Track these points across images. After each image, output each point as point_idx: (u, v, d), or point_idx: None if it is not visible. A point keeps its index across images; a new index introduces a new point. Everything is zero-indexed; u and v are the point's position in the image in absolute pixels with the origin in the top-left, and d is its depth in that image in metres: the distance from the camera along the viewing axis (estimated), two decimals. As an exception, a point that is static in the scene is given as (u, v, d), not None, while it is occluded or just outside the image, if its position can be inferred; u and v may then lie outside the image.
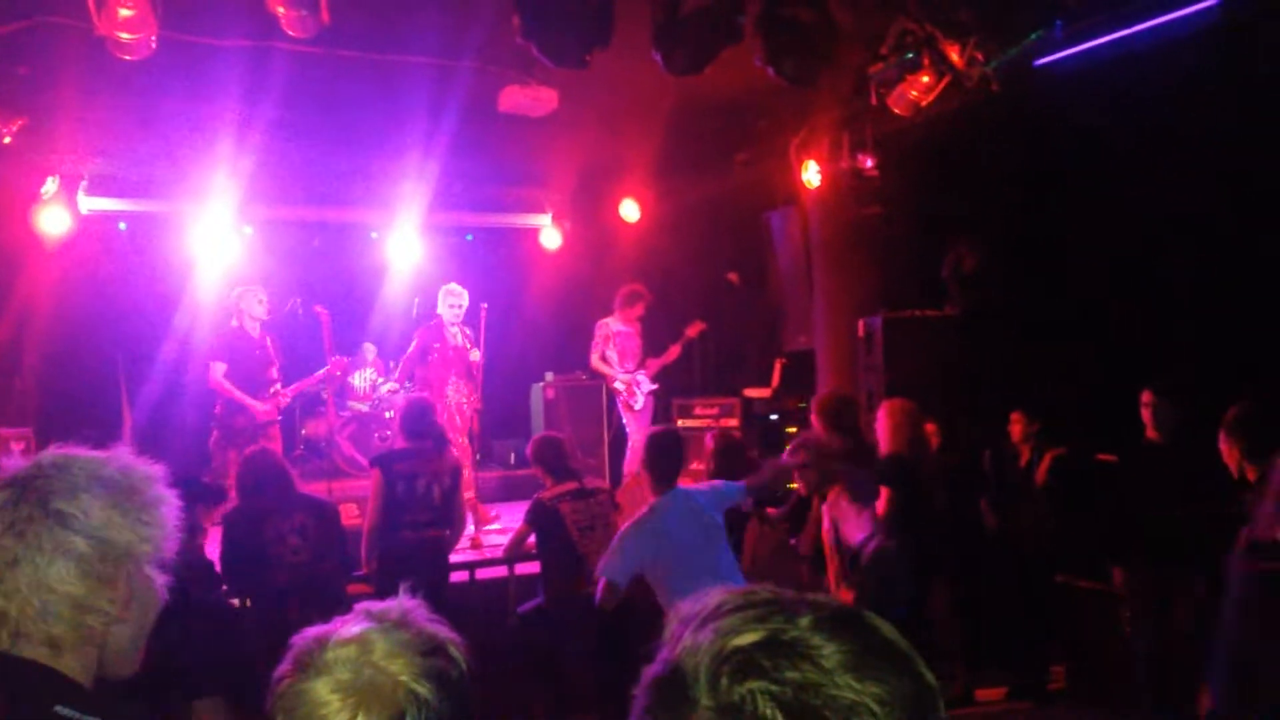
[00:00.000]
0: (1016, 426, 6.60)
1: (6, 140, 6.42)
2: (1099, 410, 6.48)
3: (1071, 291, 7.42)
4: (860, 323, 7.87)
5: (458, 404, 8.38)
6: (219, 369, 7.68)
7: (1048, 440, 6.48)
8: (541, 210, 10.64)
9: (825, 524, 5.44)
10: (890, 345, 7.60)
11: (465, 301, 8.38)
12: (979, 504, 6.38)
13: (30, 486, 1.50)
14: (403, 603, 1.47)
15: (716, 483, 5.06)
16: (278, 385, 7.99)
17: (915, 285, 8.14)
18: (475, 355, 8.37)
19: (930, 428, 6.14)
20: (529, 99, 7.26)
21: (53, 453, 1.57)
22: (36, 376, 8.54)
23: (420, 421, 5.87)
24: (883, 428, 5.78)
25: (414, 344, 8.53)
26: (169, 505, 1.60)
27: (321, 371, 8.55)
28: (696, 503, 4.68)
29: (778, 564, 5.47)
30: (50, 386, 8.61)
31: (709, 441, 6.14)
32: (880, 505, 5.50)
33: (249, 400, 7.69)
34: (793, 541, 6.06)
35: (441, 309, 8.40)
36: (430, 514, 5.69)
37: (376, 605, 1.46)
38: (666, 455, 4.83)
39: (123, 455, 1.60)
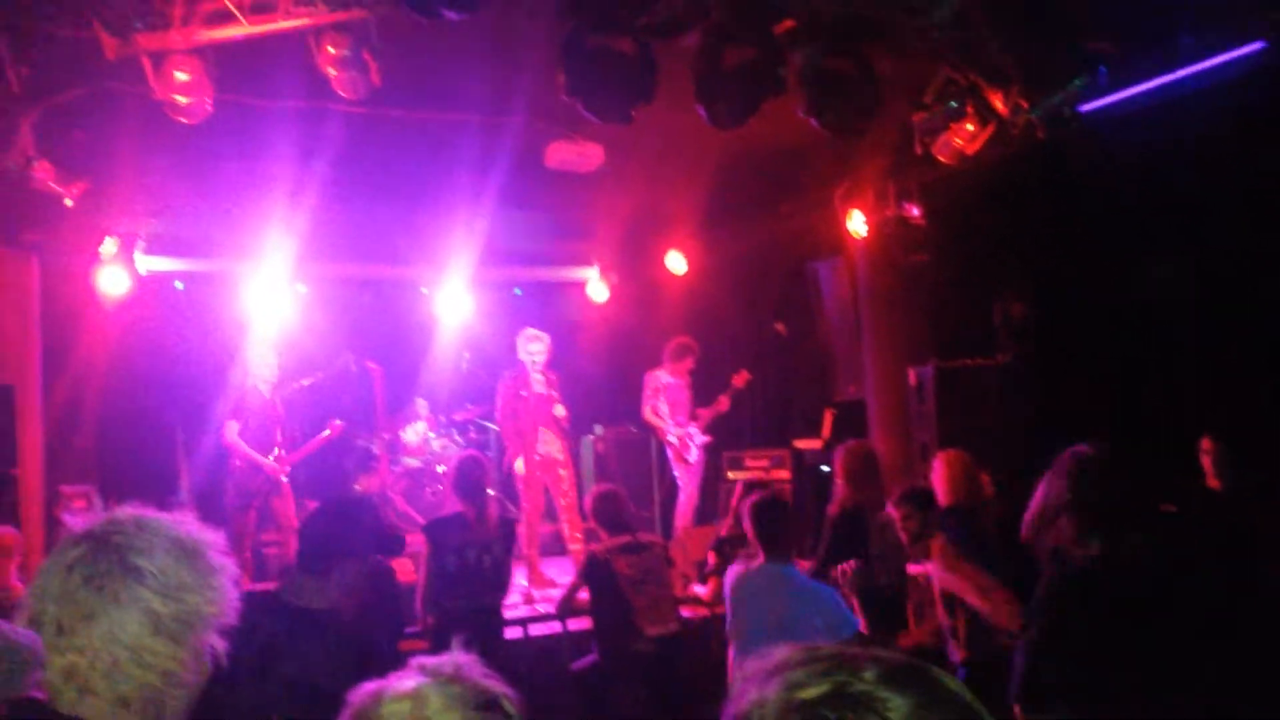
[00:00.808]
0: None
1: (68, 203, 6.59)
2: (1158, 458, 6.34)
3: (1125, 337, 7.31)
4: (911, 372, 7.80)
5: (547, 456, 8.32)
6: (233, 428, 7.81)
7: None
8: (588, 263, 10.71)
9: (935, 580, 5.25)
10: (942, 395, 7.51)
11: (546, 345, 8.35)
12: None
13: (109, 542, 1.52)
14: (456, 657, 1.47)
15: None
16: (279, 450, 8.08)
17: (966, 334, 8.06)
18: (560, 411, 8.31)
19: (984, 478, 6.04)
20: (575, 154, 7.35)
21: (127, 510, 1.59)
22: (96, 434, 8.68)
23: (469, 482, 5.85)
24: (939, 478, 5.69)
25: (499, 399, 8.52)
26: (229, 572, 1.62)
27: (324, 434, 8.58)
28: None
29: None
30: (110, 444, 8.75)
31: (737, 493, 6.10)
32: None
33: (262, 460, 7.79)
34: None
35: (522, 355, 8.38)
36: (482, 584, 5.66)
37: (430, 660, 1.46)
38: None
39: (189, 519, 1.63)
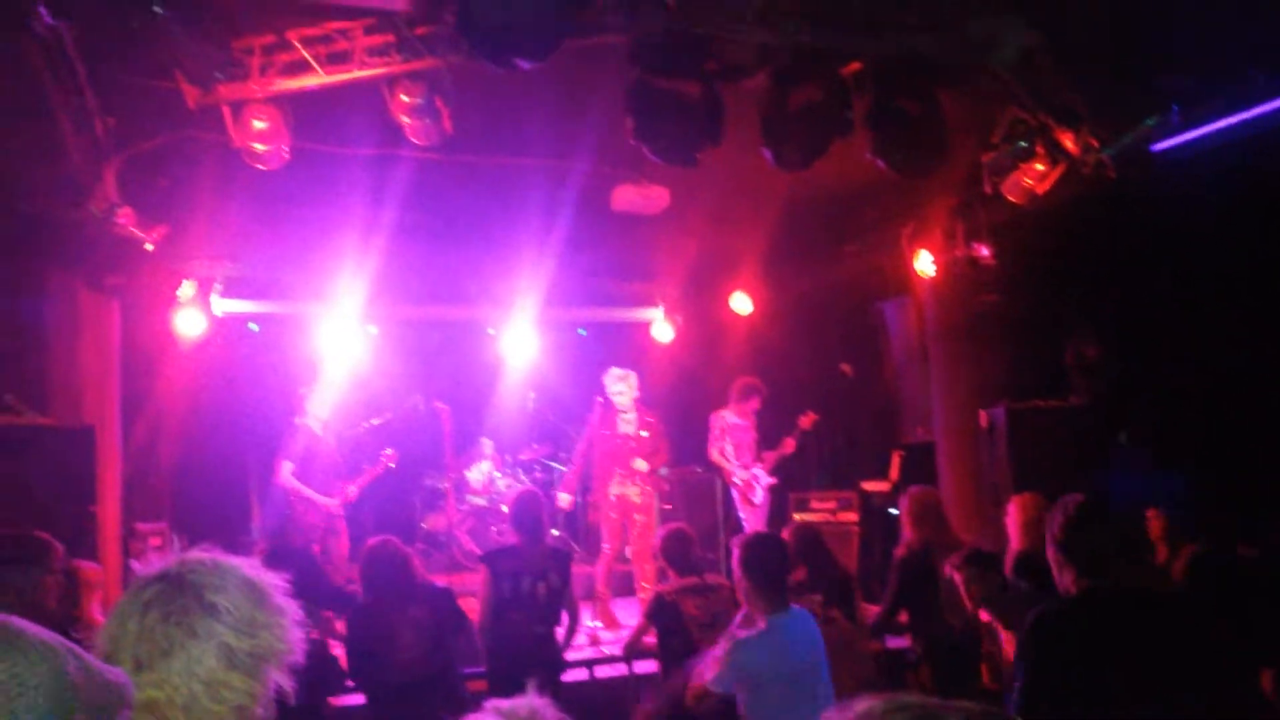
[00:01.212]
0: (1155, 523, 6.32)
1: (149, 247, 6.78)
2: (1238, 501, 6.18)
3: (1200, 379, 7.15)
4: (982, 414, 7.69)
5: (623, 499, 8.22)
6: (288, 468, 7.93)
7: (1185, 535, 6.18)
8: (653, 304, 10.76)
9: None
10: (1014, 436, 7.37)
11: (631, 384, 8.34)
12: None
13: (184, 580, 1.57)
14: (532, 700, 1.47)
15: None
16: (350, 487, 8.19)
17: (1037, 375, 7.93)
18: (640, 465, 8.19)
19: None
20: (641, 197, 7.42)
21: (199, 552, 1.65)
22: (171, 473, 8.86)
23: (525, 515, 5.88)
24: (1013, 523, 5.60)
25: (586, 431, 8.59)
26: (293, 613, 1.67)
27: (380, 466, 8.65)
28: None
29: (843, 663, 5.17)
30: (184, 483, 8.92)
31: (786, 535, 6.02)
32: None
33: (317, 496, 7.90)
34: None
35: (610, 395, 8.40)
36: (537, 611, 5.66)
37: (505, 703, 1.47)
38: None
39: (254, 562, 1.68)
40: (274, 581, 1.66)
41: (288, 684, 1.64)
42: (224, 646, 1.53)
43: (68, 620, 4.68)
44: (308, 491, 7.92)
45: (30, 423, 6.51)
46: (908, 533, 6.10)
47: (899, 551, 6.10)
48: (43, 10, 4.53)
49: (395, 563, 5.45)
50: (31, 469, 6.12)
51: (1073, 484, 6.55)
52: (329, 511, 8.00)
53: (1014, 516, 5.62)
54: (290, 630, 1.63)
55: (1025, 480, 6.68)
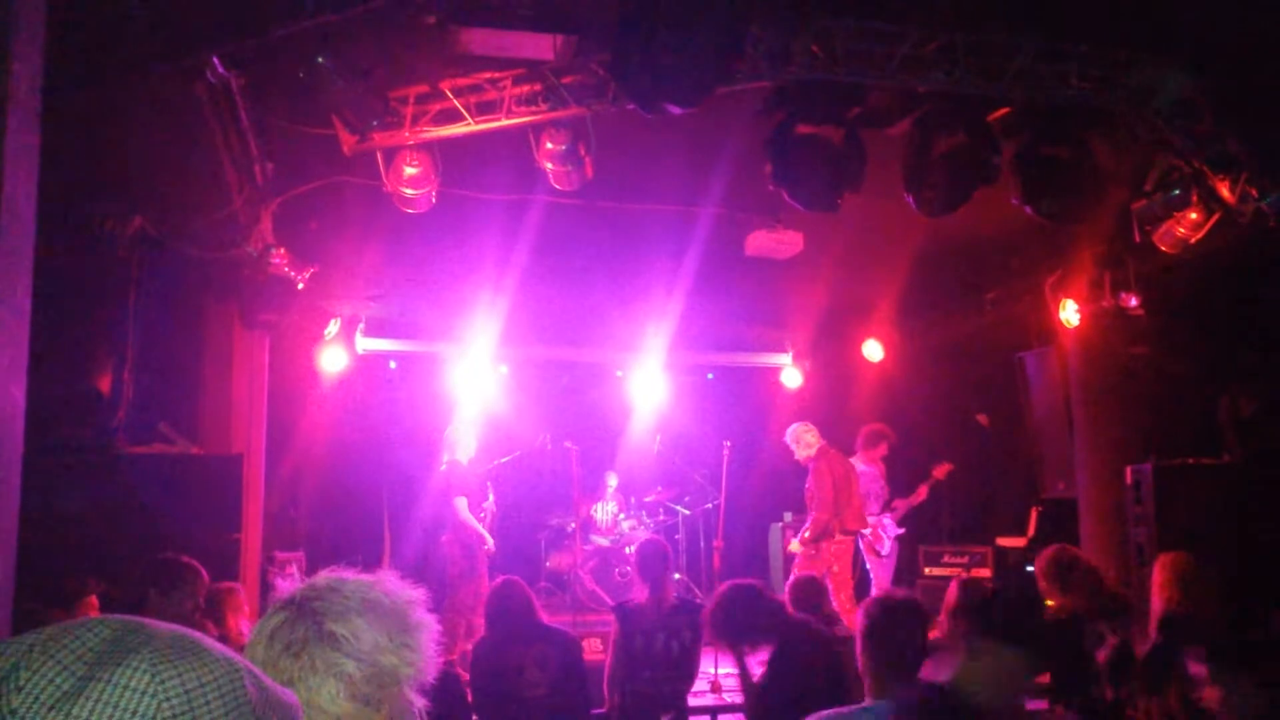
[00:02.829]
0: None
1: (300, 286, 7.03)
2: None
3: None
4: (1128, 470, 7.39)
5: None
6: (464, 503, 7.86)
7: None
8: (782, 349, 10.69)
9: None
10: (1162, 495, 7.07)
11: (792, 442, 8.48)
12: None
13: (306, 608, 1.56)
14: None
15: None
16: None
17: (1188, 431, 7.61)
18: (794, 547, 8.22)
19: (1211, 587, 5.62)
20: (775, 242, 7.40)
21: (326, 575, 1.62)
22: (310, 503, 9.11)
23: (651, 564, 5.84)
24: (1157, 584, 5.34)
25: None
26: (430, 630, 1.63)
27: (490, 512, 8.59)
28: None
29: None
30: (321, 513, 9.17)
31: (952, 590, 5.81)
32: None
33: (487, 534, 7.90)
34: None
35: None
36: (669, 669, 5.61)
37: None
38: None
39: (389, 579, 1.64)
40: (410, 597, 1.62)
41: (421, 704, 1.60)
42: (342, 676, 1.51)
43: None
44: (480, 528, 7.92)
45: (183, 451, 6.78)
46: (1047, 594, 5.84)
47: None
48: (216, 60, 4.77)
49: (520, 602, 5.47)
50: (183, 496, 6.36)
51: (1222, 545, 6.30)
52: (481, 551, 7.96)
53: (1157, 577, 5.36)
54: (419, 651, 1.59)
55: (1172, 541, 6.38)
